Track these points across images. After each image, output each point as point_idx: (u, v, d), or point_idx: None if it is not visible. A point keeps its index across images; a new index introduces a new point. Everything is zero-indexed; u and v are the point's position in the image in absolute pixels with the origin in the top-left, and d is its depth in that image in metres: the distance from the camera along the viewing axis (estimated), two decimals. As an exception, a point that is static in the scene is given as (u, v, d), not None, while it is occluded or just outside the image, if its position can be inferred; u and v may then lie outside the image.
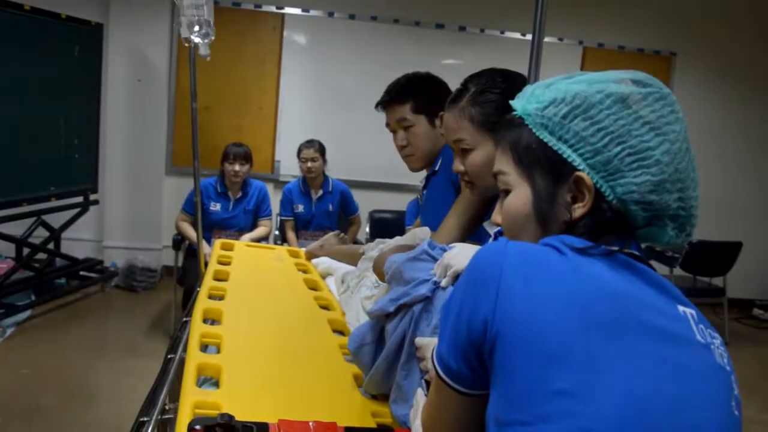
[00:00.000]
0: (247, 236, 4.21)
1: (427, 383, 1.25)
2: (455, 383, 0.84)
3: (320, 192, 4.54)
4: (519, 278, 0.77)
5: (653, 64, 5.85)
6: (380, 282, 1.77)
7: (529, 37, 5.57)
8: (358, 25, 5.59)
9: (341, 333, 1.88)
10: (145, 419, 1.72)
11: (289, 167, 5.47)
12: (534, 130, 0.90)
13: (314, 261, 2.60)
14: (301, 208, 4.51)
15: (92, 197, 5.13)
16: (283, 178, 5.48)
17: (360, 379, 1.53)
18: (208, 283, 2.15)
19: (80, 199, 5.04)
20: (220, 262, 2.43)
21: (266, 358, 1.62)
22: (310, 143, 4.45)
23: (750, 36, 5.97)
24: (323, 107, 5.62)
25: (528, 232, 0.92)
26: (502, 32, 5.77)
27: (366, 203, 5.13)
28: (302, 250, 2.75)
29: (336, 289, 2.24)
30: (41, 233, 4.80)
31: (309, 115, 5.58)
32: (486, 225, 1.53)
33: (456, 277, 1.24)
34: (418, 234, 1.76)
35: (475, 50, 5.69)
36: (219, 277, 2.25)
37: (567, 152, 0.87)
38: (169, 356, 1.92)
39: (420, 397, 1.24)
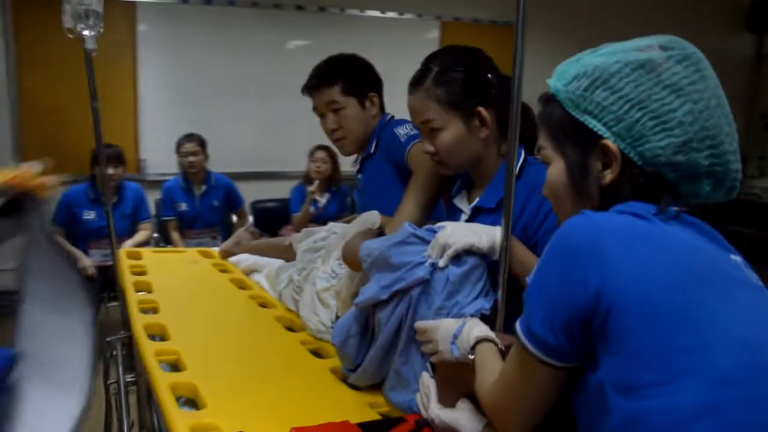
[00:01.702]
0: (129, 243, 3.94)
1: (432, 366, 1.24)
2: (553, 359, 0.84)
3: (203, 188, 4.33)
4: (622, 247, 0.79)
5: (504, 35, 6.09)
6: (337, 272, 1.73)
7: (369, 13, 5.71)
8: (214, 11, 5.35)
9: (292, 329, 1.82)
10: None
11: (156, 165, 5.16)
12: (563, 105, 0.94)
13: (232, 259, 2.48)
14: (184, 206, 4.28)
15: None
16: (151, 177, 5.16)
17: (339, 372, 1.49)
18: (132, 296, 1.99)
19: None
20: (135, 273, 2.25)
21: (234, 368, 1.53)
22: (189, 137, 4.23)
23: (593, 3, 6.39)
24: (186, 99, 5.34)
25: (568, 200, 0.97)
26: (342, 9, 5.75)
27: (243, 195, 4.97)
28: (215, 250, 2.61)
29: (269, 286, 2.16)
30: None
31: (172, 109, 5.28)
32: (456, 201, 1.52)
33: (455, 256, 1.23)
34: (368, 218, 1.72)
35: (343, 30, 5.65)
36: (141, 289, 2.09)
37: (592, 122, 0.91)
38: (110, 382, 1.76)
39: (427, 380, 1.22)
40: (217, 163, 4.69)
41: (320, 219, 4.51)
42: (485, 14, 6.15)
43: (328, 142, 4.58)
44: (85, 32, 1.99)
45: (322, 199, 4.63)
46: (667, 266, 0.79)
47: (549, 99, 0.98)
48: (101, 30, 2.09)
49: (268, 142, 5.56)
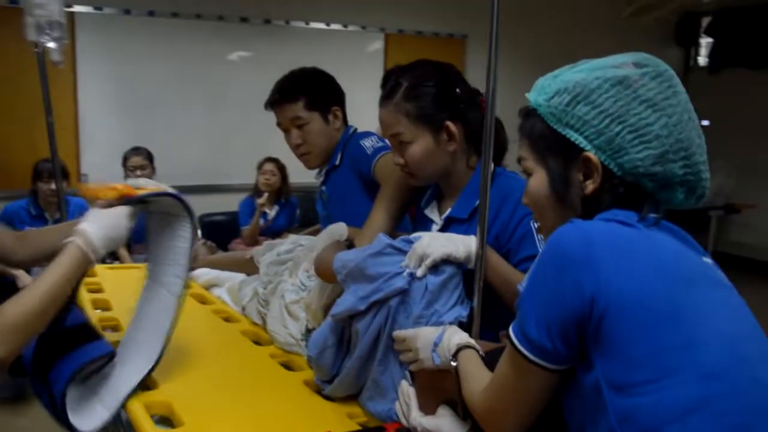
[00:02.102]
0: None
1: (411, 374, 1.26)
2: (548, 362, 0.88)
3: (151, 201, 4.25)
4: (612, 253, 0.84)
5: (448, 47, 6.22)
6: (306, 285, 1.73)
7: (315, 25, 5.74)
8: (157, 22, 5.26)
9: (258, 343, 1.81)
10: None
11: (98, 180, 5.03)
12: (544, 119, 0.98)
13: (191, 274, 2.44)
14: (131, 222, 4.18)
15: None
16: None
17: (312, 384, 1.50)
18: (92, 315, 1.94)
19: None
20: (91, 290, 2.20)
21: (207, 384, 1.52)
22: (136, 150, 4.17)
23: (535, 15, 6.54)
24: (129, 111, 5.23)
25: (550, 210, 1.01)
26: (287, 22, 5.76)
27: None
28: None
29: (231, 300, 2.14)
30: None
31: (114, 122, 5.16)
32: (427, 211, 1.55)
33: (433, 266, 1.26)
34: (335, 230, 1.74)
35: (288, 42, 5.65)
36: (99, 306, 2.04)
37: (573, 136, 0.95)
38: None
39: (406, 389, 1.25)
40: (163, 177, 4.60)
41: (270, 231, 4.49)
42: (428, 26, 6.25)
43: (275, 155, 4.63)
44: (50, 44, 1.94)
45: (272, 212, 4.61)
46: (655, 270, 0.84)
47: (530, 113, 1.02)
48: (65, 42, 2.04)
49: (214, 154, 5.51)
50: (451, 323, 1.24)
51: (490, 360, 1.07)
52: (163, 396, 1.42)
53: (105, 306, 2.05)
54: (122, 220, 1.33)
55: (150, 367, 1.45)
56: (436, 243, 1.26)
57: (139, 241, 4.24)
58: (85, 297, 2.10)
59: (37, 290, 1.19)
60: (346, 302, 1.33)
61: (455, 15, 6.19)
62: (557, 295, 0.85)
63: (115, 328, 1.86)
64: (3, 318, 1.13)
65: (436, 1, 6.14)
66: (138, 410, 1.34)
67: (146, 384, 1.49)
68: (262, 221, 4.49)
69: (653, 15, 6.56)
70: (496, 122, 1.37)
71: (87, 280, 2.31)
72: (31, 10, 1.93)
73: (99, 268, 2.60)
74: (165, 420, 1.37)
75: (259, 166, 4.65)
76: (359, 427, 1.31)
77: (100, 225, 1.29)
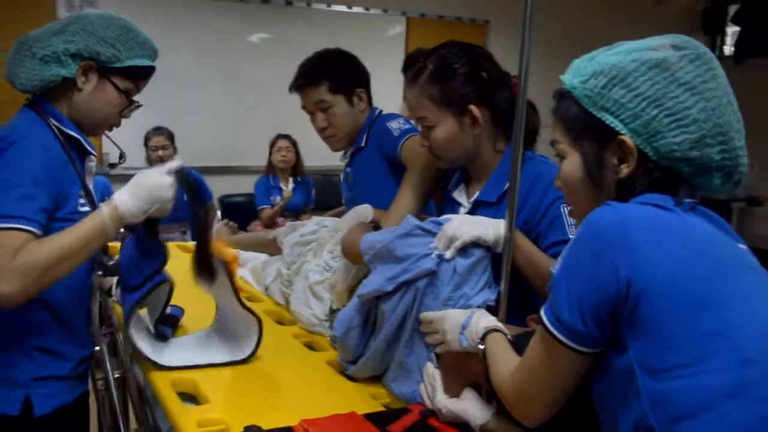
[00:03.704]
0: None
1: (437, 356, 1.26)
2: (580, 345, 0.87)
3: (171, 181, 4.27)
4: (649, 236, 0.83)
5: (470, 31, 6.17)
6: (330, 265, 1.73)
7: (336, 7, 5.71)
8: (179, 3, 5.26)
9: (281, 323, 1.82)
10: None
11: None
12: (579, 101, 0.97)
13: (213, 254, 2.46)
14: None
15: None
16: (115, 171, 5.06)
17: (335, 364, 1.50)
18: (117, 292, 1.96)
19: None
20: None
21: (228, 364, 1.52)
22: (158, 130, 4.19)
23: (562, 1, 6.48)
24: (150, 91, 5.21)
25: (584, 193, 0.99)
26: (308, 4, 5.74)
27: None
28: (192, 244, 2.58)
29: (254, 280, 2.15)
30: None
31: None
32: (455, 194, 1.54)
33: (462, 249, 1.25)
34: (361, 211, 1.73)
35: (308, 24, 5.62)
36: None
37: (609, 119, 0.94)
38: (97, 378, 1.74)
39: (432, 371, 1.24)
40: (183, 157, 4.61)
41: (286, 210, 4.50)
42: (450, 10, 6.19)
43: (294, 136, 4.61)
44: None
45: (288, 190, 4.61)
46: (691, 255, 0.84)
47: (564, 95, 1.00)
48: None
49: (233, 135, 5.51)
50: (479, 306, 1.24)
51: (517, 344, 1.07)
52: (187, 374, 1.42)
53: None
54: (162, 191, 1.40)
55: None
56: (466, 225, 1.25)
57: (168, 221, 4.27)
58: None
59: (57, 243, 1.25)
60: (374, 283, 1.33)
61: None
62: (592, 278, 0.84)
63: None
64: (23, 258, 1.20)
65: (457, -16, 6.09)
66: (164, 387, 1.35)
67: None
68: (278, 199, 4.50)
69: (680, 3, 6.46)
70: (528, 105, 1.36)
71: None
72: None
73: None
74: (190, 397, 1.38)
75: (272, 144, 4.64)
76: (383, 408, 1.31)
77: (134, 196, 1.35)
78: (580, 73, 0.98)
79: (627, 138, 0.92)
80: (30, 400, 1.36)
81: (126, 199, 1.34)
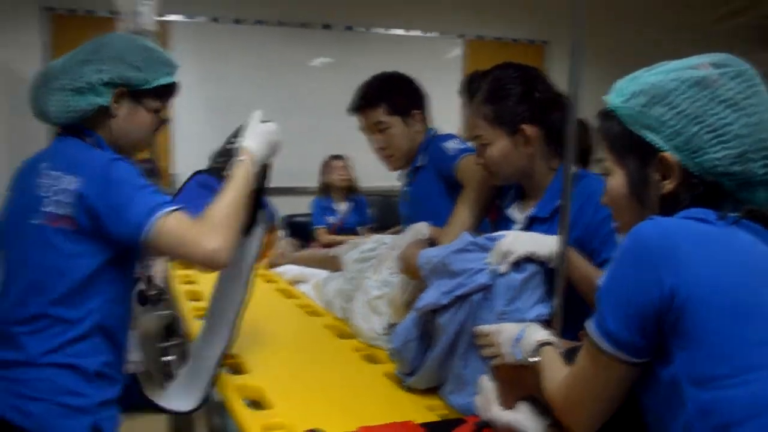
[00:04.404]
0: None
1: (493, 369, 1.29)
2: (626, 354, 0.90)
3: (237, 201, 4.41)
4: (692, 247, 0.86)
5: (528, 52, 6.18)
6: (389, 281, 1.79)
7: (395, 31, 5.81)
8: (243, 30, 5.48)
9: (342, 337, 1.88)
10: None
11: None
12: (622, 120, 1.00)
13: (276, 270, 2.56)
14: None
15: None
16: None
17: (393, 377, 1.55)
18: (186, 305, 2.07)
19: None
20: (185, 282, 2.33)
21: (293, 372, 1.60)
22: (224, 152, 4.31)
23: (614, 18, 6.43)
24: (217, 114, 5.45)
25: (629, 209, 1.02)
26: (368, 28, 5.87)
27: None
28: (257, 261, 2.69)
29: (316, 295, 2.23)
30: None
31: (204, 124, 5.40)
32: (509, 211, 1.58)
33: (515, 263, 1.29)
34: (418, 229, 1.79)
35: (368, 48, 5.77)
36: (192, 298, 2.17)
37: (650, 136, 0.97)
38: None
39: (487, 383, 1.27)
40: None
41: (342, 230, 4.57)
42: (508, 32, 6.23)
43: (355, 158, 4.69)
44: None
45: (343, 209, 4.70)
46: (735, 265, 0.86)
47: (607, 114, 1.04)
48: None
49: (295, 157, 5.61)
50: (533, 321, 1.27)
51: (570, 357, 1.09)
52: (254, 381, 1.50)
53: (198, 297, 2.17)
54: (274, 135, 1.59)
55: (221, 350, 1.55)
56: (520, 241, 1.29)
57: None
58: (179, 289, 2.23)
59: (227, 197, 1.40)
60: (430, 296, 1.38)
61: (536, 20, 6.16)
62: (636, 288, 0.87)
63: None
64: (211, 217, 1.36)
65: (516, 6, 6.12)
66: (231, 393, 1.43)
67: (238, 370, 1.59)
68: (333, 219, 4.59)
69: (742, 19, 6.32)
70: (582, 125, 1.39)
71: (180, 272, 2.45)
72: (126, 18, 2.06)
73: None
74: (255, 403, 1.45)
75: (325, 165, 4.73)
76: (439, 419, 1.35)
77: (258, 141, 1.53)
78: (621, 93, 1.01)
79: (669, 155, 0.95)
80: (98, 426, 1.41)
81: (254, 146, 1.51)
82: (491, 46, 6.16)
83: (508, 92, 1.49)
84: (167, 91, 1.54)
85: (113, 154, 1.43)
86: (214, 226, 1.34)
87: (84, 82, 1.42)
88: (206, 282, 2.32)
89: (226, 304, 1.61)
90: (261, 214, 1.60)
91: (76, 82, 1.42)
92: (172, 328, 2.24)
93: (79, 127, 1.46)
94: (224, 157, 1.53)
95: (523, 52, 6.16)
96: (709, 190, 0.94)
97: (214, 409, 1.54)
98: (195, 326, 1.86)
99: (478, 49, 6.10)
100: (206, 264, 1.35)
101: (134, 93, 1.47)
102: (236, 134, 1.57)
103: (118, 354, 1.49)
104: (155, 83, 1.49)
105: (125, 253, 1.42)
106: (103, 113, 1.45)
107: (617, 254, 0.91)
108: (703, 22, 6.39)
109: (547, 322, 1.29)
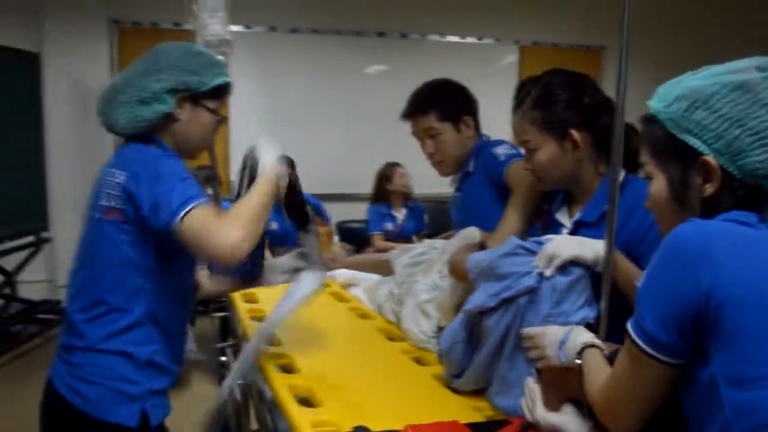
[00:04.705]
0: None
1: (538, 371, 1.30)
2: (664, 355, 0.91)
3: (292, 207, 4.50)
4: (730, 249, 0.87)
5: (585, 58, 6.12)
6: (438, 285, 1.82)
7: (450, 38, 5.81)
8: (300, 39, 5.60)
9: (392, 339, 1.91)
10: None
11: (245, 187, 5.39)
12: (664, 125, 1.01)
13: (328, 274, 2.60)
14: (275, 225, 4.46)
15: (43, 235, 4.92)
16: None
17: (441, 378, 1.57)
18: (242, 306, 2.14)
19: (31, 238, 4.82)
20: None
21: (343, 372, 1.64)
22: (279, 159, 4.40)
23: (671, 23, 6.32)
24: (273, 121, 5.59)
25: (671, 213, 1.03)
26: (423, 35, 5.91)
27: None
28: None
29: (367, 299, 2.27)
30: (-7, 278, 4.58)
31: (260, 131, 5.51)
32: (558, 215, 1.59)
33: (561, 266, 1.31)
34: (468, 234, 1.81)
35: (423, 55, 5.81)
36: (248, 300, 2.23)
37: (692, 140, 0.98)
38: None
39: (532, 385, 1.29)
40: (302, 184, 4.87)
41: (399, 237, 4.61)
42: (564, 38, 6.19)
43: (407, 165, 4.73)
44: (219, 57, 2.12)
45: (401, 216, 4.73)
46: None
47: (650, 119, 1.05)
48: (231, 54, 2.24)
49: (350, 163, 5.74)
50: (578, 323, 1.28)
51: (613, 359, 1.10)
52: (304, 380, 1.55)
53: (253, 299, 2.23)
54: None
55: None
56: (566, 245, 1.31)
57: (280, 245, 4.51)
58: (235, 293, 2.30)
59: (251, 198, 1.48)
60: (478, 299, 1.40)
61: (592, 26, 6.09)
62: (674, 289, 0.88)
63: (262, 319, 2.03)
64: (235, 213, 1.43)
65: (572, 12, 6.07)
66: (282, 390, 1.47)
67: (290, 369, 1.64)
68: (391, 226, 4.63)
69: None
70: (630, 130, 1.39)
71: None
72: (200, 32, 2.15)
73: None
74: (305, 401, 1.49)
75: (386, 172, 4.72)
76: (484, 419, 1.37)
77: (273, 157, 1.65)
78: (664, 98, 1.02)
79: (710, 158, 0.96)
80: (146, 412, 1.49)
81: (271, 162, 1.62)
82: (547, 52, 6.13)
83: (557, 98, 1.50)
84: (223, 90, 1.62)
85: (166, 152, 1.51)
86: (237, 221, 1.39)
87: (148, 93, 1.49)
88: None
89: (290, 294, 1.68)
90: (311, 212, 1.73)
91: (140, 94, 1.49)
92: (228, 329, 2.32)
93: (146, 135, 1.54)
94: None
95: (580, 57, 6.11)
96: (750, 193, 0.95)
97: (265, 405, 1.60)
98: (251, 327, 1.93)
99: (534, 55, 6.08)
100: (225, 255, 1.37)
101: (194, 96, 1.55)
102: (249, 160, 1.67)
103: (170, 345, 1.58)
104: (212, 84, 1.56)
105: (171, 246, 1.48)
106: (167, 119, 1.53)
107: (656, 255, 0.93)
108: (756, 28, 6.21)
109: (593, 326, 1.29)
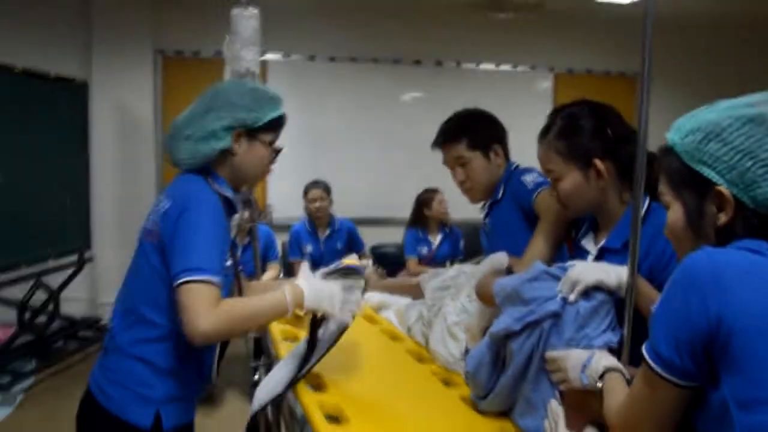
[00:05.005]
0: (264, 277, 4.22)
1: (561, 393, 1.34)
2: (677, 378, 0.94)
3: (327, 231, 4.59)
4: (739, 276, 0.90)
5: (618, 85, 6.13)
6: (467, 308, 1.86)
7: (485, 66, 5.86)
8: (338, 67, 5.72)
9: (421, 361, 1.95)
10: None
11: (282, 210, 5.51)
12: (680, 156, 1.06)
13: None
14: (309, 248, 4.55)
15: (86, 255, 5.07)
16: (277, 222, 5.52)
17: (468, 400, 1.60)
18: (275, 327, 2.19)
19: (75, 257, 4.98)
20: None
21: (372, 391, 1.68)
22: (316, 184, 4.50)
23: (701, 48, 6.30)
24: (311, 148, 5.70)
25: (686, 241, 1.07)
26: (458, 63, 5.99)
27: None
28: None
29: (398, 321, 2.31)
30: (38, 295, 4.71)
31: (297, 157, 5.64)
32: (583, 242, 1.63)
33: (585, 292, 1.34)
34: (497, 259, 1.85)
35: (458, 83, 5.89)
36: (282, 321, 2.29)
37: (706, 171, 1.01)
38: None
39: (555, 407, 1.32)
40: (338, 209, 4.96)
41: (434, 262, 4.64)
42: (599, 65, 6.21)
43: (443, 189, 4.78)
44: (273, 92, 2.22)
45: (436, 241, 4.77)
46: None
47: (667, 151, 1.09)
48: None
49: (385, 189, 5.82)
50: (600, 348, 1.31)
51: (635, 383, 1.13)
52: (334, 398, 1.59)
53: (286, 321, 2.29)
54: (331, 302, 1.65)
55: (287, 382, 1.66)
56: (589, 271, 1.34)
57: (316, 268, 4.57)
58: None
59: (250, 305, 1.58)
60: (503, 322, 1.44)
61: (626, 52, 6.10)
62: (685, 315, 0.92)
63: (295, 339, 2.09)
64: (224, 308, 1.46)
65: (606, 39, 6.09)
66: (312, 407, 1.52)
67: (320, 386, 1.69)
68: (426, 250, 4.67)
69: None
70: (654, 159, 1.42)
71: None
72: (231, 62, 2.26)
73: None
74: (334, 418, 1.54)
75: (426, 197, 4.75)
76: (508, 440, 1.40)
77: (312, 288, 1.63)
78: (680, 130, 1.06)
79: (724, 189, 0.99)
80: (160, 415, 1.58)
81: (306, 293, 1.61)
82: (581, 79, 6.16)
83: (581, 128, 1.54)
84: (278, 123, 1.71)
85: (210, 192, 1.60)
86: (222, 315, 1.45)
87: (206, 131, 1.60)
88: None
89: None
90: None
91: (199, 131, 1.61)
92: (261, 349, 2.38)
93: (204, 168, 1.64)
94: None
95: (614, 84, 6.13)
96: (763, 223, 0.98)
97: (295, 422, 1.65)
98: (284, 347, 1.99)
99: (568, 83, 6.11)
100: (189, 333, 1.43)
101: (250, 131, 1.64)
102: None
103: (194, 360, 1.66)
104: (266, 119, 1.65)
105: None
106: (225, 153, 1.64)
107: (669, 281, 0.96)
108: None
109: (616, 350, 1.32)
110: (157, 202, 1.62)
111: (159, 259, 1.56)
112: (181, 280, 1.44)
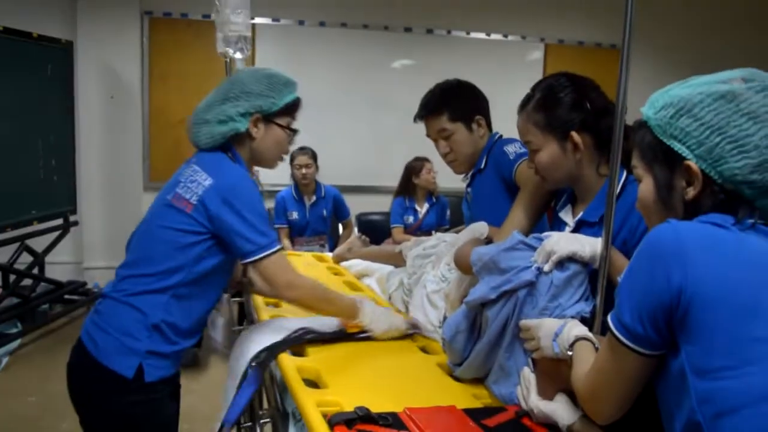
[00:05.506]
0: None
1: (533, 361, 1.36)
2: (640, 346, 0.97)
3: (314, 198, 4.60)
4: (701, 250, 0.92)
5: (608, 57, 6.08)
6: (446, 276, 1.88)
7: (475, 35, 5.82)
8: (328, 32, 5.66)
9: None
10: (248, 424, 1.79)
11: (268, 176, 5.47)
12: (652, 130, 1.07)
13: (344, 264, 2.68)
14: (295, 215, 4.56)
15: (71, 218, 5.06)
16: (263, 187, 5.50)
17: (445, 367, 1.63)
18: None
19: (60, 221, 4.96)
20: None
21: (350, 357, 1.70)
22: (303, 150, 4.50)
23: (688, 21, 6.27)
24: (299, 115, 5.65)
25: (656, 214, 1.09)
26: (449, 31, 5.94)
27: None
28: (328, 255, 2.82)
29: (379, 289, 2.33)
30: (23, 258, 4.71)
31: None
32: (561, 214, 1.64)
33: (559, 262, 1.36)
34: (477, 228, 1.87)
35: (448, 51, 5.85)
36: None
37: (676, 146, 1.04)
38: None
39: (528, 374, 1.35)
40: (325, 176, 4.96)
41: (420, 230, 4.67)
42: (589, 37, 6.18)
43: (431, 158, 4.79)
44: (236, 55, 2.24)
45: (423, 210, 4.79)
46: (742, 267, 0.91)
47: (641, 125, 1.11)
48: (248, 53, 2.34)
49: (373, 157, 5.80)
50: (573, 317, 1.33)
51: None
52: (312, 363, 1.62)
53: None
54: (393, 329, 1.84)
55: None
56: (564, 241, 1.36)
57: (300, 234, 4.60)
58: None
59: (330, 297, 1.80)
60: (479, 291, 1.46)
61: (617, 25, 6.05)
62: (649, 286, 0.94)
63: (276, 305, 2.11)
64: (308, 281, 1.74)
65: (597, 11, 6.05)
66: (290, 371, 1.54)
67: (299, 352, 1.71)
68: (412, 219, 4.69)
69: None
70: (629, 132, 1.44)
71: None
72: (221, 27, 2.24)
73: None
74: (312, 383, 1.56)
75: (415, 166, 4.74)
76: (482, 406, 1.43)
77: (373, 318, 1.82)
78: (654, 105, 1.08)
79: (693, 163, 1.01)
80: (142, 368, 1.63)
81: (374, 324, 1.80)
82: (572, 51, 6.14)
83: (560, 100, 1.55)
84: (293, 106, 1.84)
85: (245, 172, 1.73)
86: (306, 288, 1.71)
87: (225, 116, 1.72)
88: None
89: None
90: None
91: (219, 116, 1.72)
92: (244, 314, 2.39)
93: (225, 144, 1.76)
94: None
95: (604, 56, 6.11)
96: (729, 198, 1.00)
97: (275, 386, 1.67)
98: (266, 312, 2.01)
99: (559, 53, 6.09)
100: (277, 296, 1.76)
101: (266, 116, 1.77)
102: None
103: (186, 321, 1.71)
104: (282, 103, 1.78)
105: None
106: (244, 137, 1.76)
107: (635, 253, 0.98)
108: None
109: (588, 320, 1.35)
110: (192, 172, 1.69)
111: (181, 223, 1.65)
112: (258, 256, 1.63)
